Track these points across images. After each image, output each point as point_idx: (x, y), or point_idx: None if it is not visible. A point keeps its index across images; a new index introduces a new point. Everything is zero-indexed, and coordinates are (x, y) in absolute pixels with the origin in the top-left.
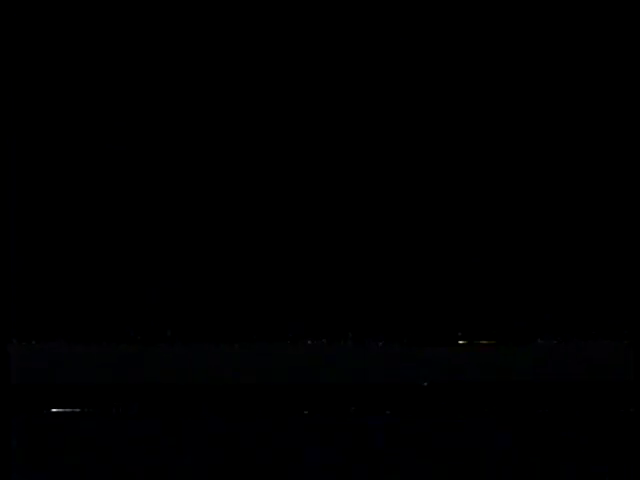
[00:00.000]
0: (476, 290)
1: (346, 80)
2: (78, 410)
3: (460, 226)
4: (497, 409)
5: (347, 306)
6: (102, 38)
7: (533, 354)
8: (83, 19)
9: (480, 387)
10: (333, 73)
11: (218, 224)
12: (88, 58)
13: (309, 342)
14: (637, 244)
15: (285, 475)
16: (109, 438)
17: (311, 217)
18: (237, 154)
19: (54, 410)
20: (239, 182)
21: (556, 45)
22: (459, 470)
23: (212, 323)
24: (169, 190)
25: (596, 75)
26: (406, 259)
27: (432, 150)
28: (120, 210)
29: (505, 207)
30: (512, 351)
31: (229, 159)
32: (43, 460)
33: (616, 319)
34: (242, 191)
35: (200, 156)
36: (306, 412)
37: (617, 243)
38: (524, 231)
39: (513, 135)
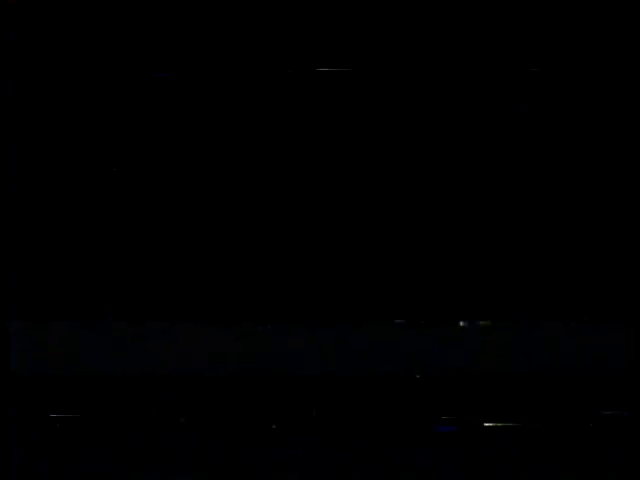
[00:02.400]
0: (471, 272)
1: (344, 86)
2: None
3: (458, 209)
4: (491, 400)
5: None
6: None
7: (530, 338)
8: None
9: (474, 376)
10: (328, 78)
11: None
12: (90, 61)
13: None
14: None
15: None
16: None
17: (306, 203)
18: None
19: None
20: (226, 175)
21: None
22: (454, 464)
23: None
24: (164, 183)
25: (597, 77)
26: (401, 242)
27: (424, 145)
28: (118, 198)
29: (502, 191)
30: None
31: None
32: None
33: (615, 303)
34: (227, 180)
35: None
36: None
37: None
38: (521, 214)
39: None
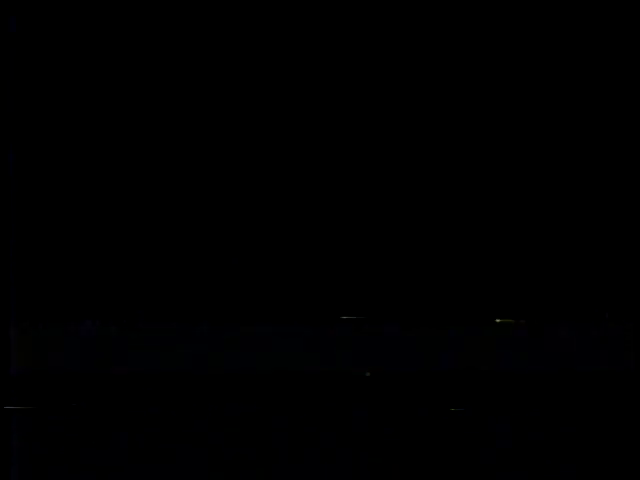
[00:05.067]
0: (475, 270)
1: (346, 81)
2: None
3: (465, 208)
4: (494, 399)
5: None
6: (101, 39)
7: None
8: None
9: (477, 376)
10: (335, 74)
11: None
12: (87, 58)
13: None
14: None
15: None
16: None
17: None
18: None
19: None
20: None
21: (557, 47)
22: (457, 461)
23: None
24: (163, 182)
25: (597, 77)
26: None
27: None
28: (117, 198)
29: (509, 189)
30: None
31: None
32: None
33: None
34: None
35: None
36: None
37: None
38: (533, 213)
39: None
